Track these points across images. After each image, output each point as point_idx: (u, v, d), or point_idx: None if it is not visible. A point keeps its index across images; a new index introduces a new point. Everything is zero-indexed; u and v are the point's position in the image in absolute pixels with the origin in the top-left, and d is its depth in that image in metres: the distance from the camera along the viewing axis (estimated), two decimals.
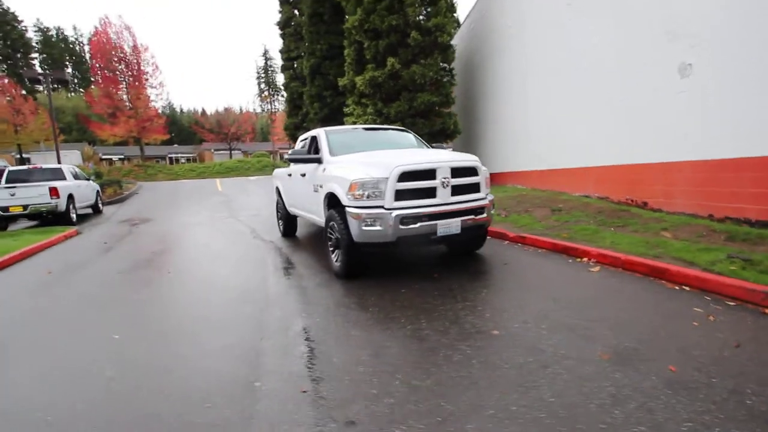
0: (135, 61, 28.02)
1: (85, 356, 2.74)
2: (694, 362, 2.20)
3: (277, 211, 7.74)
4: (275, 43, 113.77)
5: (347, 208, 4.00)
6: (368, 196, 3.87)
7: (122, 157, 41.86)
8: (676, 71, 5.42)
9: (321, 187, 4.73)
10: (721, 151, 4.93)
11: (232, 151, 44.74)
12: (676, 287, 3.38)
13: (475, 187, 4.26)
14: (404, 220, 3.81)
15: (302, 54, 17.33)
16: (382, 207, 3.83)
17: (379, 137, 5.51)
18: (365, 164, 4.14)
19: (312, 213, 5.42)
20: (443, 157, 4.11)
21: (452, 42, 11.81)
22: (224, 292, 4.12)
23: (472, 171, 4.21)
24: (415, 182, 3.89)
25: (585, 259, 4.41)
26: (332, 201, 4.54)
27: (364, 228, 3.84)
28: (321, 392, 2.15)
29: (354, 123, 12.09)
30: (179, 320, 3.40)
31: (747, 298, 2.92)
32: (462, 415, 1.87)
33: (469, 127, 12.75)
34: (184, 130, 56.17)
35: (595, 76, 7.02)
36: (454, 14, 11.65)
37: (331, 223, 4.39)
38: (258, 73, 67.25)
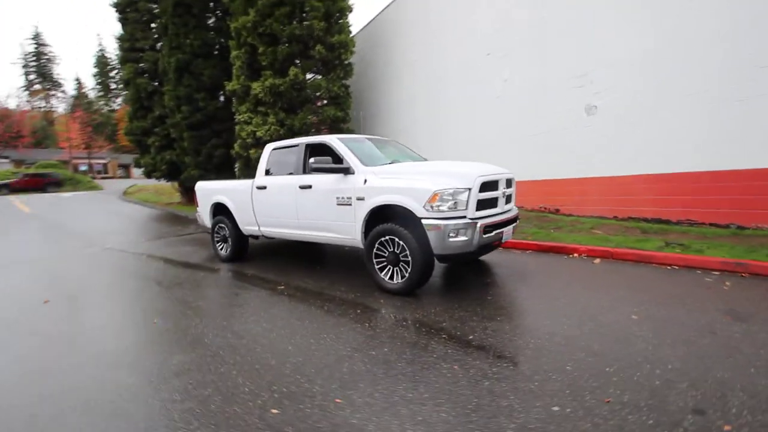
0: None
1: None
2: None
3: (214, 233, 6.41)
4: (54, 24, 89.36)
5: (425, 220, 3.84)
6: (450, 207, 3.82)
7: None
8: (583, 110, 7.22)
9: (361, 199, 4.32)
10: (620, 169, 6.81)
11: None
12: (668, 267, 4.61)
13: (512, 197, 4.71)
14: (486, 228, 3.93)
15: (154, 46, 14.50)
16: (464, 217, 3.85)
17: (391, 148, 5.36)
18: (433, 174, 4.06)
19: (322, 230, 4.83)
20: (499, 169, 4.41)
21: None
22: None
23: (512, 182, 4.65)
24: (488, 192, 4.07)
25: (576, 255, 5.41)
26: (377, 215, 4.23)
27: (451, 239, 3.78)
28: (618, 394, 2.16)
29: (253, 132, 10.96)
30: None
31: (724, 268, 4.28)
32: (714, 377, 2.25)
33: None
34: None
35: (511, 110, 8.52)
36: (351, 35, 11.98)
37: (386, 237, 4.10)
38: (25, 60, 51.76)
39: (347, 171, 4.52)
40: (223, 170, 13.62)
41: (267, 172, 5.61)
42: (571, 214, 7.63)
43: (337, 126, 11.81)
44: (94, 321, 3.88)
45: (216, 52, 13.67)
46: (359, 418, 2.07)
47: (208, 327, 3.49)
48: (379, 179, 4.26)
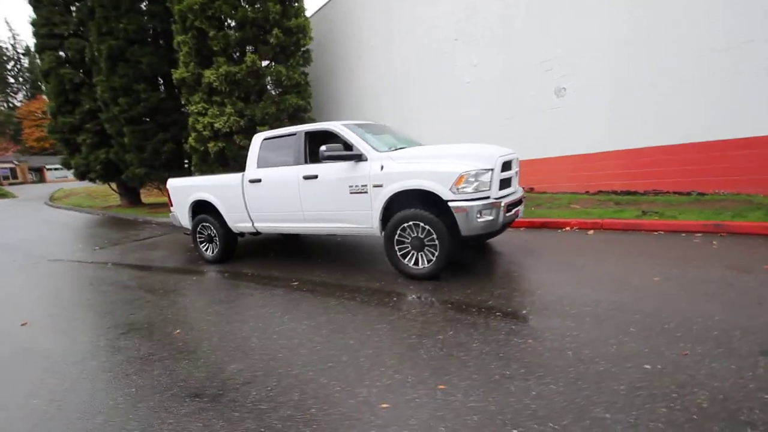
0: None
1: None
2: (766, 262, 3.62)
3: (197, 233, 5.91)
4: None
5: (452, 203, 3.84)
6: (474, 189, 3.85)
7: None
8: (553, 93, 7.62)
9: (378, 186, 4.21)
10: (589, 147, 7.31)
11: None
12: (654, 233, 5.06)
13: (518, 177, 4.86)
14: (509, 207, 4.03)
15: (78, 31, 12.82)
16: (488, 197, 3.90)
17: (387, 135, 5.24)
18: (454, 156, 4.05)
19: (333, 221, 4.66)
20: (508, 150, 4.50)
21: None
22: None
23: (518, 162, 4.79)
24: (505, 172, 4.16)
25: (568, 228, 5.74)
26: (397, 201, 4.16)
27: (479, 220, 3.82)
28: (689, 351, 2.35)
29: (209, 123, 10.17)
30: None
31: (704, 230, 4.78)
32: (758, 323, 2.55)
33: None
34: None
35: (481, 95, 8.74)
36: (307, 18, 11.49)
37: (409, 223, 4.06)
38: None
39: (359, 158, 4.37)
40: (173, 166, 12.56)
41: (259, 164, 5.25)
42: (546, 191, 8.07)
43: (298, 115, 11.36)
44: (94, 338, 3.40)
45: (150, 39, 12.46)
46: (475, 401, 2.04)
47: (244, 331, 3.22)
48: (397, 165, 4.17)
